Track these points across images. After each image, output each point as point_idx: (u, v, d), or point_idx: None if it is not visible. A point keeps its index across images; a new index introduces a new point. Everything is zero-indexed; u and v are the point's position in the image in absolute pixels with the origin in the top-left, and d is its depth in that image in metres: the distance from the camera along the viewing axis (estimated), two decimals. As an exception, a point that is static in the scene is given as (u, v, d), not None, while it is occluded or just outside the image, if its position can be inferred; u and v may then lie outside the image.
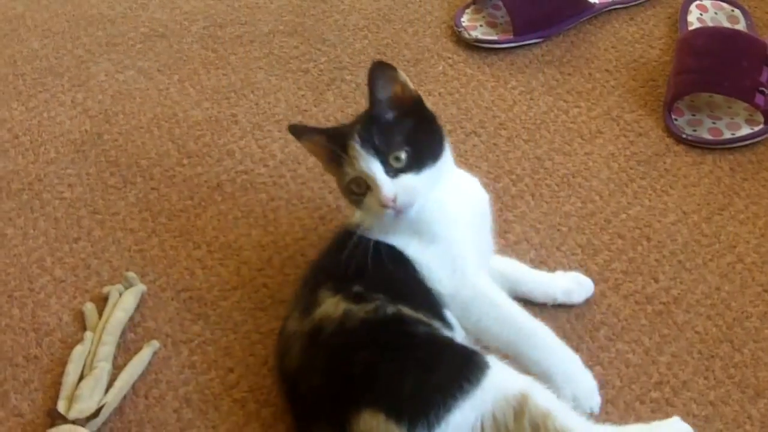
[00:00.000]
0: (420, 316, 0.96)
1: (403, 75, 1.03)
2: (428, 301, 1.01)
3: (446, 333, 0.97)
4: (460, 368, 0.91)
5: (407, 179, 1.00)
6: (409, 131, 1.01)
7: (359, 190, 1.02)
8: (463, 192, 1.09)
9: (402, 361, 0.91)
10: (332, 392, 0.93)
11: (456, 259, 1.03)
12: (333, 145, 1.03)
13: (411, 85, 1.04)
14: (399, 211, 1.00)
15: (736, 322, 1.12)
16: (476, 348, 0.96)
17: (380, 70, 1.01)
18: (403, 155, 0.99)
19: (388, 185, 0.99)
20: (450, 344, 0.95)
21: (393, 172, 1.00)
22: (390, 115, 1.02)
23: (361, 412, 0.89)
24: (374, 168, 0.99)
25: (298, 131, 1.08)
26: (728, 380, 1.06)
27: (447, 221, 1.04)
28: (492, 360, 0.93)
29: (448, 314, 1.02)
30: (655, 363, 1.08)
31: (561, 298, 1.13)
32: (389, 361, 0.91)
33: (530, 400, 0.89)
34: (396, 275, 1.01)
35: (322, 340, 0.95)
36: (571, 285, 1.14)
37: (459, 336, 1.01)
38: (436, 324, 0.98)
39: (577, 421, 0.90)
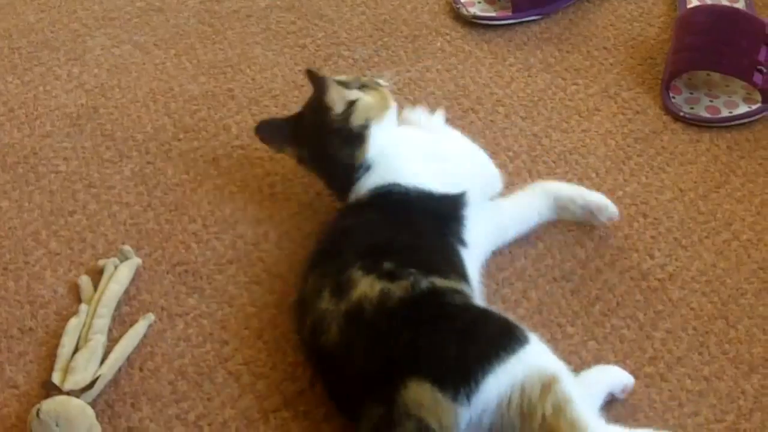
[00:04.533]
0: (452, 284, 0.99)
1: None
2: (452, 259, 1.05)
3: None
4: (498, 337, 0.93)
5: None
6: None
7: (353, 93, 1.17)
8: None
9: (444, 332, 0.94)
10: (378, 369, 0.94)
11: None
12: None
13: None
14: None
15: (731, 299, 1.12)
16: (517, 322, 0.97)
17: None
18: None
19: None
20: (487, 313, 0.99)
21: None
22: None
23: (408, 384, 0.91)
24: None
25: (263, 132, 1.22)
26: (722, 356, 1.06)
27: None
28: (533, 338, 0.95)
29: (470, 272, 1.06)
30: (650, 338, 1.08)
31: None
32: (431, 333, 0.93)
33: (558, 384, 0.91)
34: (419, 236, 1.05)
35: (364, 320, 0.96)
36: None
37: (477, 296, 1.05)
38: (467, 288, 1.01)
39: (592, 417, 0.92)
